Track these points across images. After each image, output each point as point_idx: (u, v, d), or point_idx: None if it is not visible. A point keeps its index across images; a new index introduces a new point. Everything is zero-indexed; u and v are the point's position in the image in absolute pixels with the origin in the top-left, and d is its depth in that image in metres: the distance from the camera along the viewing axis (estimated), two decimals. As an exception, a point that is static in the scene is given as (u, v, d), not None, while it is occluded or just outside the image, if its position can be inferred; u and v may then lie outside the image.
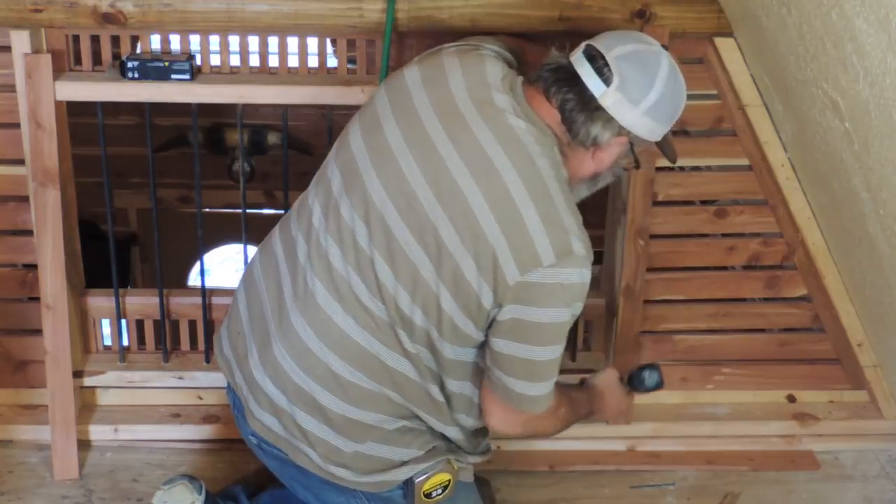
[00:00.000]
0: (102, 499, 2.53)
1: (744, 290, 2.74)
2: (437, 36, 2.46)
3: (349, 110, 2.59)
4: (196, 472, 2.57)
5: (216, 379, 2.62)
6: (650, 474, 2.68)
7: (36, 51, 2.37)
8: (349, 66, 2.57)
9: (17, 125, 2.43)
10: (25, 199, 2.49)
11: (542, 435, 2.11)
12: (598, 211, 2.40)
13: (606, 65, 1.83)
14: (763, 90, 2.48)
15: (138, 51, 2.46)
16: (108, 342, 2.76)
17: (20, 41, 2.35)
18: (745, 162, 2.59)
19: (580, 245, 1.82)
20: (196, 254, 2.85)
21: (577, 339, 2.76)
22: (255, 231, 2.61)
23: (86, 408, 2.69)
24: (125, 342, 2.71)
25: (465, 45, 2.02)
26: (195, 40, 2.46)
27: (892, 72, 1.69)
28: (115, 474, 2.60)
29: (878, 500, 2.63)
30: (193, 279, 5.17)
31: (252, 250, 2.21)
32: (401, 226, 1.85)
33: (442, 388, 1.96)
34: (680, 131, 2.58)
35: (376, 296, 1.88)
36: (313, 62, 2.53)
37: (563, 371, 2.67)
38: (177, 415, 2.71)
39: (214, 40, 2.48)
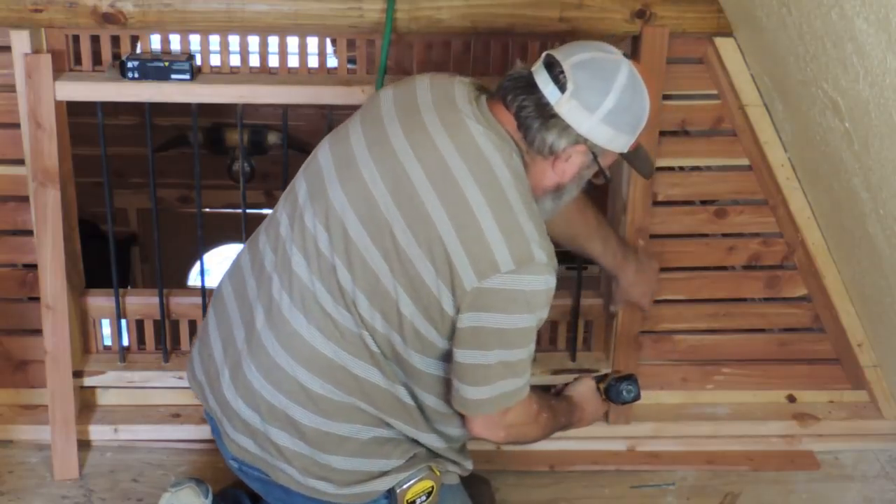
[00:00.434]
0: (102, 499, 2.53)
1: (744, 290, 2.74)
2: (436, 36, 2.47)
3: (349, 110, 2.58)
4: (196, 472, 2.58)
5: (216, 379, 2.62)
6: (650, 474, 2.68)
7: (36, 51, 2.37)
8: (349, 66, 2.58)
9: (17, 125, 2.43)
10: (25, 199, 2.49)
11: (525, 441, 2.10)
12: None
13: (563, 72, 1.83)
14: (763, 90, 2.48)
15: (138, 51, 2.46)
16: (108, 342, 2.76)
17: (20, 41, 2.35)
18: (745, 162, 2.59)
19: (541, 252, 1.82)
20: (196, 254, 2.85)
21: (577, 339, 2.76)
22: (254, 231, 2.60)
23: (86, 408, 2.69)
24: (125, 342, 2.71)
25: (442, 73, 2.04)
26: (195, 40, 2.46)
27: (892, 72, 1.69)
28: (115, 474, 2.60)
29: (878, 500, 2.63)
30: (193, 279, 5.17)
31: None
32: (360, 230, 1.85)
33: (412, 394, 1.96)
34: (680, 131, 2.59)
35: (339, 303, 1.88)
36: (313, 62, 2.53)
37: (563, 371, 2.72)
38: (177, 415, 2.71)
39: (214, 40, 2.48)
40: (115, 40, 2.46)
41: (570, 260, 2.45)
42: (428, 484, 1.99)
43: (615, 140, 1.87)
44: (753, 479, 2.67)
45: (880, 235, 2.20)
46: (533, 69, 1.88)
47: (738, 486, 2.64)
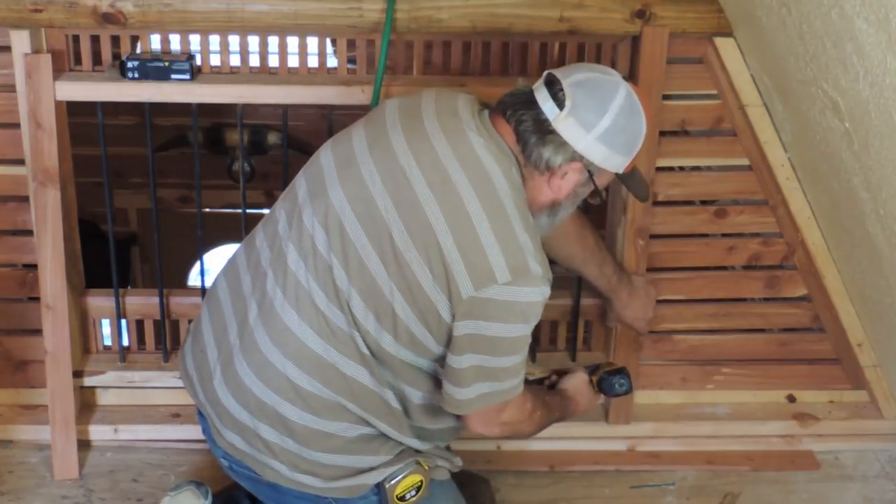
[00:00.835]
0: (102, 499, 2.53)
1: (744, 290, 2.74)
2: (436, 36, 2.47)
3: (349, 110, 2.60)
4: (196, 472, 2.58)
5: (216, 379, 2.62)
6: (650, 474, 2.68)
7: (36, 51, 2.37)
8: (349, 66, 2.58)
9: (17, 125, 2.43)
10: (25, 199, 2.49)
11: (520, 436, 2.13)
12: (598, 211, 2.40)
13: (562, 90, 1.87)
14: (763, 90, 2.48)
15: (138, 51, 2.46)
16: (108, 342, 2.76)
17: (20, 41, 2.35)
18: (745, 162, 2.59)
19: (536, 265, 1.84)
20: (196, 254, 2.85)
21: (578, 339, 2.76)
22: (252, 229, 2.60)
23: (86, 408, 2.70)
24: (125, 342, 2.71)
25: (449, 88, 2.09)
26: (195, 40, 2.46)
27: (892, 72, 1.69)
28: (115, 474, 2.60)
29: (878, 500, 2.63)
30: (193, 279, 5.17)
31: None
32: (358, 230, 1.87)
33: (400, 396, 1.97)
34: (680, 131, 2.59)
35: (333, 302, 1.89)
36: (313, 62, 2.53)
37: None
38: (177, 415, 2.71)
39: (214, 40, 2.48)
40: (115, 40, 2.46)
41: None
42: (417, 478, 2.00)
43: (610, 159, 1.90)
44: (753, 479, 2.67)
45: (880, 235, 2.20)
46: (534, 86, 1.92)
47: (738, 486, 2.64)
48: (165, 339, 2.69)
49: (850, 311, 2.68)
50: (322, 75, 2.52)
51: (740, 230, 2.68)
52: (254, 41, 2.48)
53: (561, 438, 2.69)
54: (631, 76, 2.40)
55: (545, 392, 2.19)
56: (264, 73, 2.50)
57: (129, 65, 2.40)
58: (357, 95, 2.43)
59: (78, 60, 2.46)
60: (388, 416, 1.97)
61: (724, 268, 2.75)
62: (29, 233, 2.52)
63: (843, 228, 2.47)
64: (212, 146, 4.11)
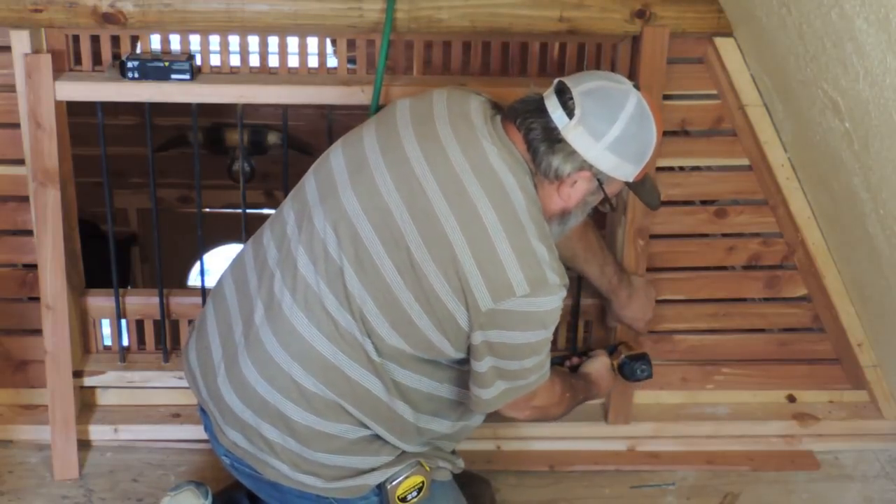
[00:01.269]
0: (102, 499, 2.53)
1: (744, 290, 2.74)
2: (436, 36, 2.47)
3: (349, 110, 2.60)
4: (196, 472, 2.58)
5: (216, 379, 2.62)
6: (650, 474, 2.68)
7: (36, 51, 2.37)
8: (349, 66, 2.58)
9: (17, 125, 2.43)
10: (25, 199, 2.49)
11: (548, 418, 2.17)
12: (598, 211, 2.40)
13: (571, 98, 1.87)
14: (763, 90, 2.48)
15: (138, 51, 2.46)
16: (108, 342, 2.76)
17: (20, 41, 2.35)
18: (745, 162, 2.59)
19: (553, 274, 1.85)
20: (196, 254, 2.85)
21: (578, 338, 2.76)
22: (254, 231, 2.59)
23: (86, 408, 2.70)
24: (125, 342, 2.71)
25: (457, 87, 2.07)
26: (195, 40, 2.46)
27: (892, 72, 1.69)
28: (115, 474, 2.60)
29: (878, 500, 2.63)
30: (193, 279, 5.17)
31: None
32: (373, 238, 1.87)
33: (406, 400, 1.97)
34: (680, 131, 2.59)
35: (344, 306, 1.89)
36: (313, 62, 2.53)
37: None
38: (177, 415, 2.71)
39: (214, 40, 2.48)
40: (115, 40, 2.46)
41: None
42: (419, 479, 2.00)
43: (620, 168, 1.90)
44: (753, 479, 2.67)
45: (880, 235, 2.20)
46: (545, 94, 1.91)
47: (738, 486, 2.64)
48: (165, 340, 2.69)
49: (850, 311, 2.68)
50: (322, 75, 2.52)
51: (740, 230, 2.68)
52: (254, 41, 2.47)
53: (561, 438, 2.69)
54: (631, 76, 2.40)
55: (570, 375, 2.24)
56: (264, 73, 2.50)
57: (129, 65, 2.40)
58: (357, 95, 2.43)
59: (78, 60, 2.46)
60: (390, 420, 1.97)
61: (724, 268, 2.75)
62: (29, 233, 2.52)
63: (843, 228, 2.47)
64: (212, 146, 4.11)
